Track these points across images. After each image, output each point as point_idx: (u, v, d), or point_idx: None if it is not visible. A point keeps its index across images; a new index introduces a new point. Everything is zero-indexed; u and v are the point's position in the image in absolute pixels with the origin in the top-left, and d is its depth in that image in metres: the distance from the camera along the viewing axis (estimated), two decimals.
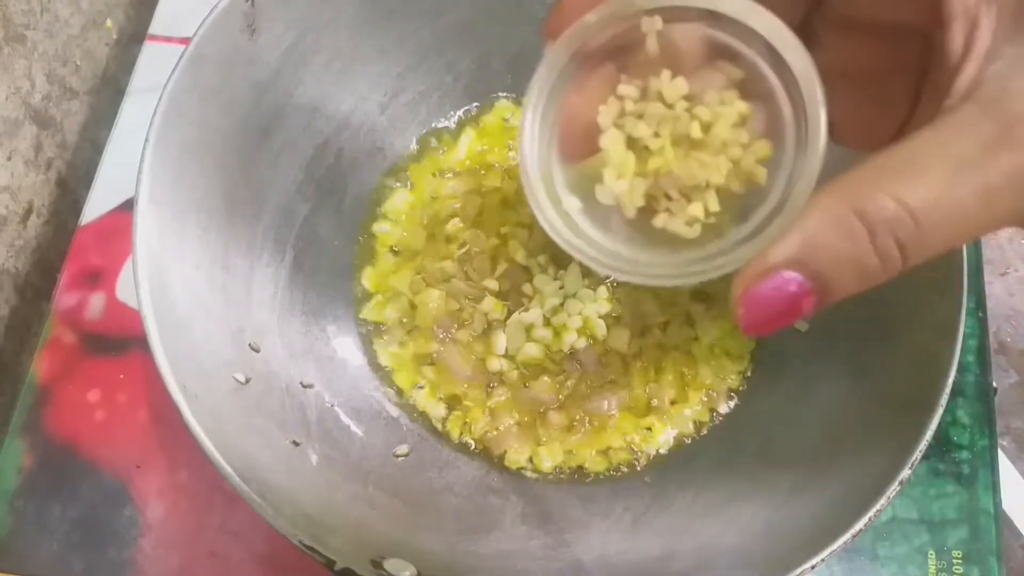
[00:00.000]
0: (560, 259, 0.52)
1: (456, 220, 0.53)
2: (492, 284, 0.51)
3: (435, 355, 0.50)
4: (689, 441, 0.48)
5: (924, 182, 0.23)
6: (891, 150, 0.24)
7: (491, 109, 0.56)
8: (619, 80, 0.29)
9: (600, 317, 0.50)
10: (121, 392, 0.50)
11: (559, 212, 0.30)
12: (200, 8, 0.41)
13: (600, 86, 0.29)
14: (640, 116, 0.28)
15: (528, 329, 0.50)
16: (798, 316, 0.25)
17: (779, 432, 0.45)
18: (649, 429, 0.48)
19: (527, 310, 0.50)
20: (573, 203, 0.30)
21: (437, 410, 0.49)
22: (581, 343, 0.50)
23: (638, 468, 0.48)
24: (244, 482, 0.33)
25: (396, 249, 0.52)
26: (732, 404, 0.49)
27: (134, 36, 0.67)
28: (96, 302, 0.53)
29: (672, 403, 0.49)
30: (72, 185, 0.61)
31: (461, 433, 0.48)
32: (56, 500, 0.48)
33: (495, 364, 0.49)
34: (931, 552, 0.48)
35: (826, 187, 0.25)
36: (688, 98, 0.28)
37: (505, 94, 0.56)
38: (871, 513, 0.34)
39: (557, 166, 0.30)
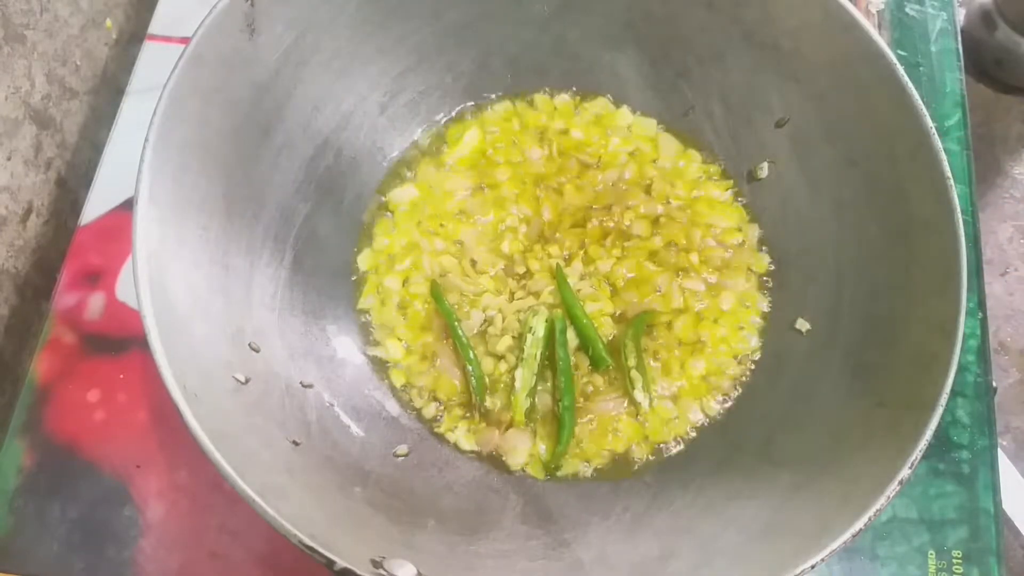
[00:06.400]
0: (560, 257, 0.52)
1: (455, 217, 0.53)
2: (491, 281, 0.51)
3: (433, 354, 0.50)
4: (690, 441, 0.48)
5: None
6: None
7: (491, 108, 0.56)
8: None
9: (604, 315, 0.50)
10: (121, 392, 0.50)
11: None
12: (200, 8, 0.41)
13: None
14: None
15: (528, 328, 0.50)
16: None
17: (779, 432, 0.45)
18: (651, 428, 0.48)
19: (527, 308, 0.50)
20: None
21: (435, 410, 0.49)
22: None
23: (639, 468, 0.48)
24: (244, 482, 0.33)
25: (396, 245, 0.52)
26: (733, 403, 0.49)
27: (134, 36, 0.67)
28: (96, 302, 0.53)
29: (674, 402, 0.49)
30: (72, 185, 0.61)
31: (459, 433, 0.48)
32: (56, 500, 0.48)
33: (490, 364, 0.49)
34: (931, 552, 0.48)
35: None
36: None
37: (505, 94, 0.56)
38: (871, 513, 0.34)
39: None
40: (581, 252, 0.52)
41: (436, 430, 0.48)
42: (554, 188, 0.54)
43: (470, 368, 0.49)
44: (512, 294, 0.51)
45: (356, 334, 0.50)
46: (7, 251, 0.55)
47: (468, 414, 0.49)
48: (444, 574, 0.38)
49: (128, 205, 0.55)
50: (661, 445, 0.48)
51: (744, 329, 0.51)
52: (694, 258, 0.52)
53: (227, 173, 0.44)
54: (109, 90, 0.64)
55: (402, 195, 0.54)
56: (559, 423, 0.48)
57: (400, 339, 0.50)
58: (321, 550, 0.32)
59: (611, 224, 0.53)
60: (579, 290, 0.51)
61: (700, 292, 0.52)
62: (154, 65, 0.59)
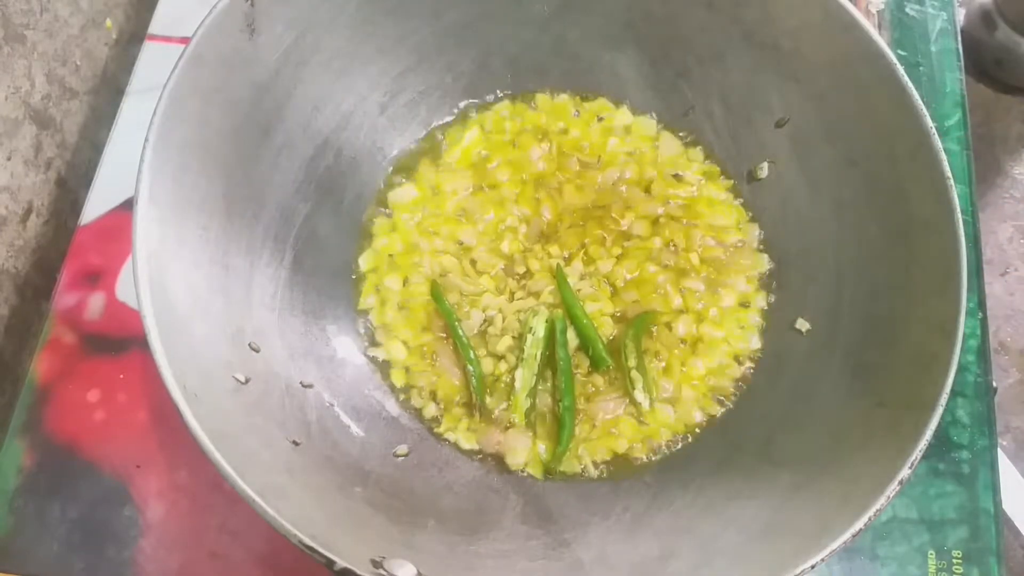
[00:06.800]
0: (560, 257, 0.52)
1: (455, 217, 0.53)
2: (491, 281, 0.51)
3: (433, 354, 0.50)
4: (690, 440, 0.48)
5: None
6: None
7: (491, 108, 0.56)
8: None
9: (605, 315, 0.50)
10: (121, 392, 0.50)
11: None
12: (200, 8, 0.41)
13: None
14: None
15: (528, 328, 0.50)
16: None
17: (779, 432, 0.45)
18: (651, 428, 0.48)
19: (527, 308, 0.50)
20: None
21: (435, 410, 0.49)
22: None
23: (638, 467, 0.48)
24: (244, 482, 0.33)
25: (395, 245, 0.52)
26: (733, 403, 0.49)
27: (134, 36, 0.67)
28: (96, 302, 0.53)
29: (675, 403, 0.49)
30: (72, 185, 0.61)
31: (459, 433, 0.48)
32: (56, 500, 0.48)
33: (490, 364, 0.49)
34: (931, 552, 0.48)
35: None
36: None
37: (505, 94, 0.56)
38: (871, 513, 0.34)
39: None
40: (581, 252, 0.52)
41: (436, 430, 0.48)
42: (554, 188, 0.54)
43: (470, 368, 0.49)
44: (512, 294, 0.51)
45: (356, 334, 0.50)
46: (7, 251, 0.55)
47: (468, 414, 0.49)
48: (444, 574, 0.38)
49: (128, 205, 0.55)
50: (661, 445, 0.48)
51: (744, 329, 0.51)
52: (694, 258, 0.52)
53: (227, 173, 0.44)
54: (109, 90, 0.64)
55: (402, 195, 0.54)
56: (559, 423, 0.48)
57: (400, 339, 0.50)
58: (321, 550, 0.32)
59: (611, 224, 0.53)
60: (579, 290, 0.51)
61: (700, 292, 0.52)
62: (154, 65, 0.59)
